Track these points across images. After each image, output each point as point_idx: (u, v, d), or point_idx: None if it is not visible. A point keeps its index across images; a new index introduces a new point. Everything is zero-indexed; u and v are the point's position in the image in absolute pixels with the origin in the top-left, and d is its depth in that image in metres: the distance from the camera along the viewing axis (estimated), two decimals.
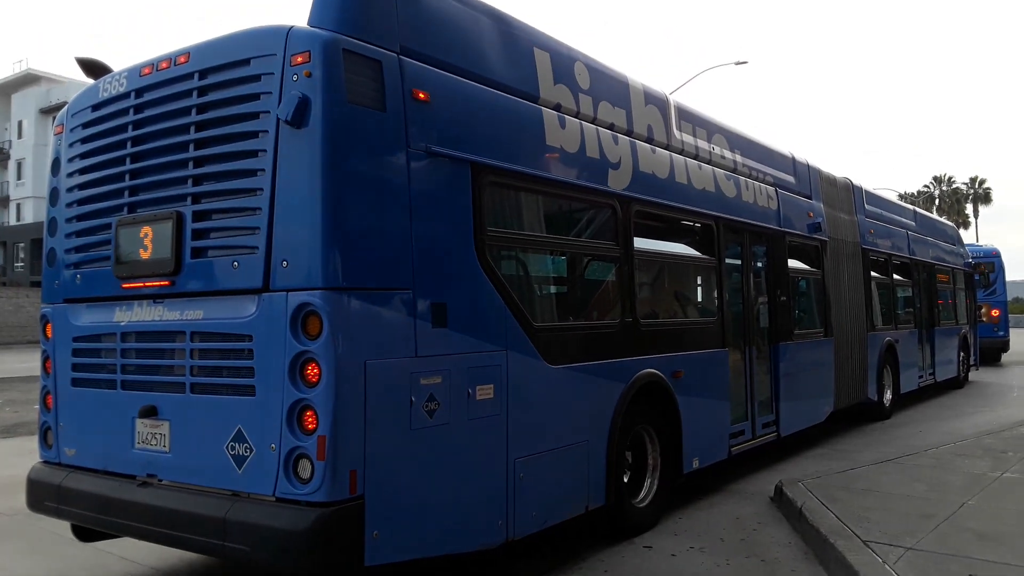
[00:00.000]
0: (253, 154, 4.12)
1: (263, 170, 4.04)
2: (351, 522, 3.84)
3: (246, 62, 4.19)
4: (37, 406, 5.36)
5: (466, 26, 5.03)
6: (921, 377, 14.10)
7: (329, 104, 3.91)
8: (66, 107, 5.30)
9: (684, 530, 6.25)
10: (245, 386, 4.10)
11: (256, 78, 4.13)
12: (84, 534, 5.15)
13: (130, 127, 4.73)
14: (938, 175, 79.90)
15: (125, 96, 4.76)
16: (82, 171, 5.03)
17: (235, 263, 4.15)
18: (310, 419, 3.84)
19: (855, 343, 10.75)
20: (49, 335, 5.20)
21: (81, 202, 5.05)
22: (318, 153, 3.89)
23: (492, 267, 4.81)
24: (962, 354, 16.96)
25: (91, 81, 5.23)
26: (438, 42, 4.71)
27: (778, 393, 8.54)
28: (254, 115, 4.13)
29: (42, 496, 4.97)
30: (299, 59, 3.96)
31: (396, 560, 4.09)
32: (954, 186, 78.60)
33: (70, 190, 5.11)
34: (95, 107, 4.98)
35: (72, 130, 5.13)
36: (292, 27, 4.09)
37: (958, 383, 16.68)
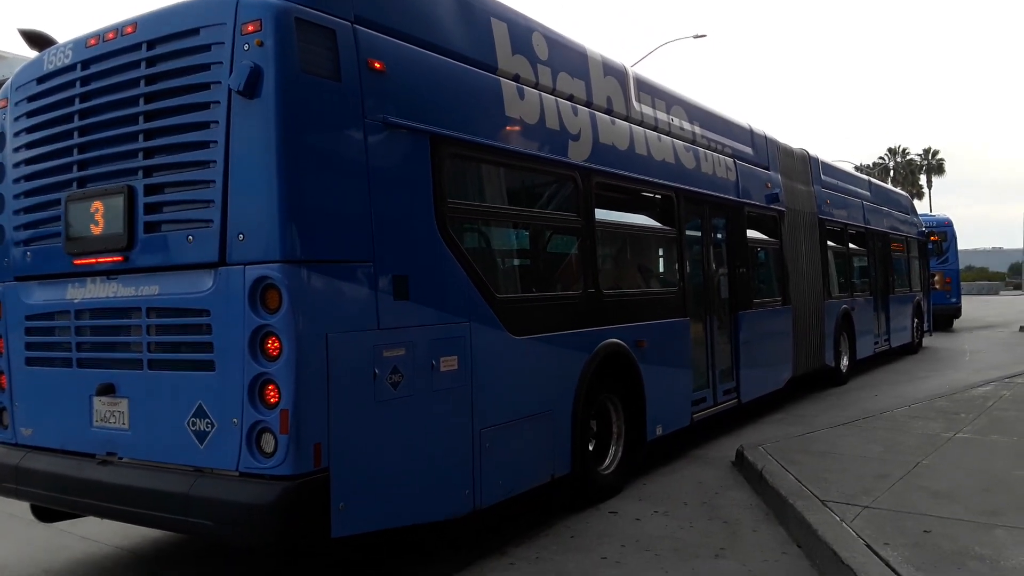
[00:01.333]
0: (205, 126, 4.01)
1: (215, 142, 3.94)
2: (316, 495, 3.82)
3: (195, 31, 4.06)
4: None
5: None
6: (876, 343, 14.47)
7: (282, 74, 3.82)
8: (9, 80, 5.06)
9: (648, 495, 6.35)
10: (204, 361, 4.02)
11: (206, 48, 4.01)
12: (45, 514, 5.10)
13: (77, 100, 4.57)
14: (893, 146, 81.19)
15: (71, 68, 4.60)
16: (28, 145, 4.85)
17: (190, 237, 4.07)
18: (272, 393, 3.80)
19: (812, 311, 10.97)
20: (0, 315, 5.05)
21: (28, 177, 4.87)
22: (272, 124, 3.81)
23: (453, 239, 4.79)
24: (916, 320, 17.38)
25: (35, 54, 5.06)
26: (393, 10, 4.62)
27: (738, 361, 8.70)
28: (205, 86, 4.02)
29: (5, 476, 4.83)
30: (250, 28, 3.85)
31: (362, 531, 4.10)
32: (908, 157, 79.96)
33: (16, 165, 4.92)
34: (39, 80, 4.80)
35: (16, 104, 4.93)
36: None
37: (912, 349, 17.14)
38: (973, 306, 38.20)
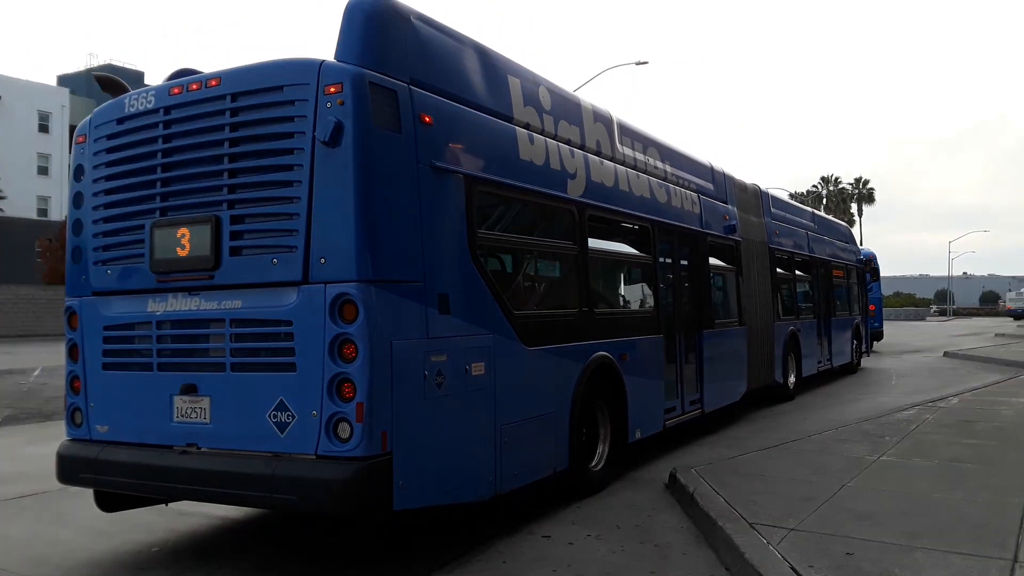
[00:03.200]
0: (289, 168, 4.74)
1: (300, 181, 4.68)
2: (383, 474, 4.56)
3: (279, 88, 4.83)
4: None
5: (457, 58, 5.85)
6: (820, 363, 15.37)
7: (359, 128, 4.62)
8: (87, 120, 5.73)
9: (582, 519, 6.34)
10: (286, 363, 4.75)
11: (290, 103, 4.77)
12: (108, 504, 5.71)
13: (160, 140, 5.24)
14: (826, 175, 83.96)
15: (154, 112, 5.27)
16: (108, 178, 5.50)
17: (274, 260, 4.78)
18: (348, 389, 4.53)
19: (764, 332, 11.98)
20: (75, 326, 5.65)
21: (109, 205, 5.50)
22: (350, 169, 4.58)
23: (481, 263, 5.64)
24: (855, 342, 18.51)
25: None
26: (437, 72, 5.50)
27: (702, 375, 9.59)
28: (288, 134, 4.77)
29: (77, 469, 5.47)
30: (332, 89, 4.64)
31: (416, 506, 4.87)
32: (840, 186, 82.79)
33: (96, 195, 5.56)
34: (120, 120, 5.45)
35: (96, 140, 5.57)
36: (324, 61, 4.76)
37: (852, 368, 18.17)
38: (901, 331, 39.58)
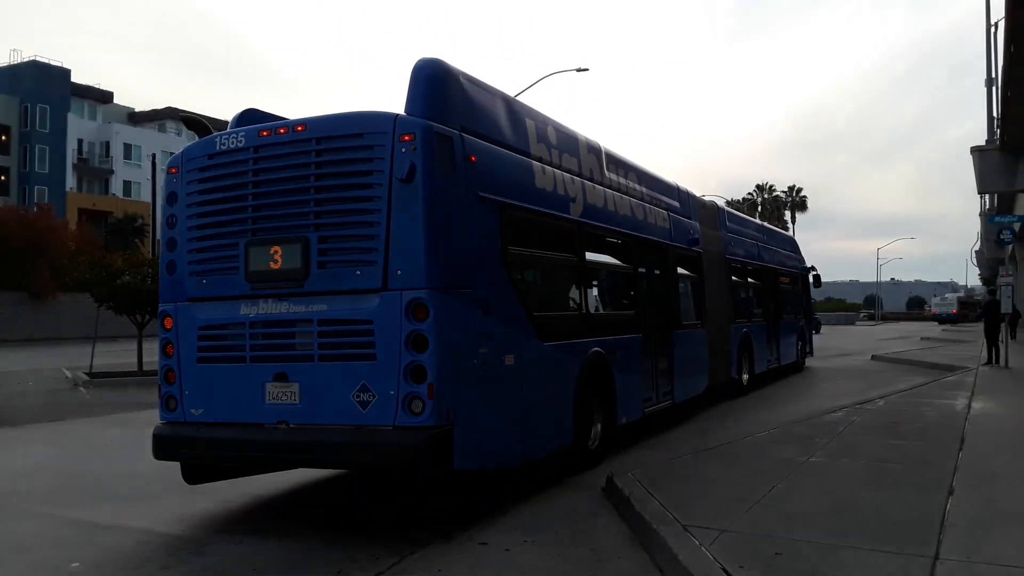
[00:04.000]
0: (370, 198, 5.89)
1: (379, 209, 5.83)
2: (447, 440, 5.76)
3: (359, 135, 6.01)
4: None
5: (490, 107, 7.18)
6: (770, 362, 16.98)
7: (427, 168, 5.82)
8: (179, 154, 6.76)
9: (520, 524, 6.33)
10: (368, 354, 5.87)
11: (370, 147, 5.94)
12: (193, 477, 6.81)
13: (251, 173, 6.33)
14: (761, 183, 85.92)
15: (244, 150, 6.35)
16: (202, 203, 6.55)
17: (358, 272, 5.93)
18: (421, 373, 5.71)
19: (722, 334, 13.51)
20: (169, 327, 6.68)
21: (203, 227, 6.54)
22: (421, 200, 5.78)
23: (511, 273, 6.93)
24: (800, 343, 20.19)
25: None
26: (478, 120, 6.82)
27: (672, 370, 10.83)
28: (368, 172, 5.93)
29: (174, 446, 6.58)
30: (406, 137, 5.82)
31: (469, 468, 6.05)
32: (775, 194, 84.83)
33: (190, 217, 6.58)
34: (211, 156, 6.54)
35: (188, 171, 6.62)
36: (398, 115, 5.98)
37: (798, 367, 19.83)
38: (832, 335, 40.72)
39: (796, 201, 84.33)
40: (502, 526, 6.27)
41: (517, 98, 8.33)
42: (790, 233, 23.60)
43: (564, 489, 7.52)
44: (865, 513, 5.89)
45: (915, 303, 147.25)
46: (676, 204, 12.05)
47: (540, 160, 7.81)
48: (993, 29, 32.39)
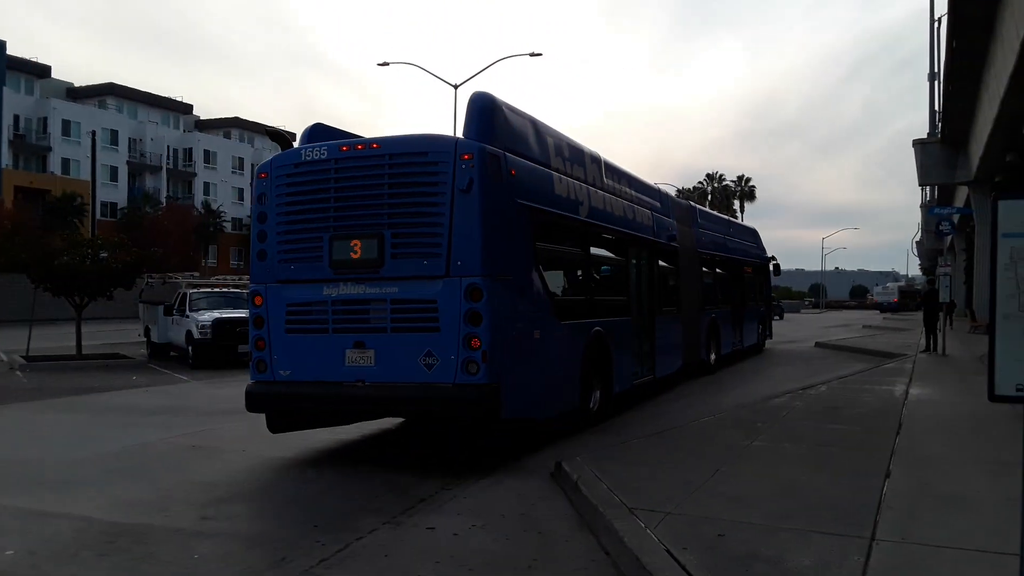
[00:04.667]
0: (435, 204, 7.41)
1: (443, 213, 7.35)
2: (495, 394, 7.31)
3: (425, 154, 7.59)
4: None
5: (523, 128, 8.82)
6: (734, 344, 18.85)
7: (482, 181, 7.36)
8: (268, 161, 8.35)
9: (468, 509, 6.34)
10: (432, 327, 7.38)
11: (435, 163, 7.48)
12: (277, 427, 8.36)
13: (332, 180, 7.85)
14: (711, 172, 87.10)
15: (326, 161, 7.87)
16: (289, 204, 8.03)
17: (425, 262, 7.45)
18: (476, 342, 7.24)
19: (693, 318, 15.20)
20: (259, 303, 8.13)
21: (290, 223, 8.03)
22: (477, 206, 7.34)
23: (538, 265, 8.50)
24: (761, 327, 22.27)
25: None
26: (515, 140, 8.43)
27: (654, 348, 12.46)
28: (433, 183, 7.47)
29: (264, 401, 8.14)
30: (466, 156, 7.37)
31: (509, 417, 7.61)
32: (724, 183, 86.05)
33: (279, 214, 8.06)
34: (296, 164, 8.04)
35: (276, 177, 8.12)
36: (458, 138, 7.66)
37: (758, 349, 21.87)
38: (778, 323, 41.53)
39: (745, 191, 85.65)
40: (450, 511, 6.27)
41: (543, 122, 9.58)
42: (752, 226, 24.94)
43: (513, 474, 7.55)
44: (805, 496, 6.04)
45: (858, 292, 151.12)
46: (657, 204, 13.84)
47: (557, 171, 9.41)
48: (937, 24, 33.31)
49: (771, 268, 24.21)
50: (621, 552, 4.91)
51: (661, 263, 13.40)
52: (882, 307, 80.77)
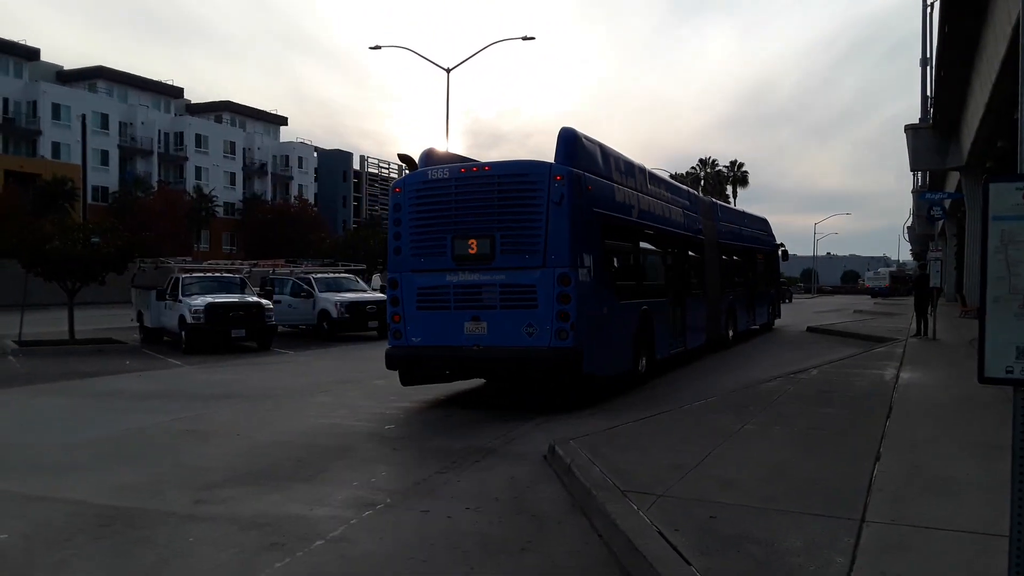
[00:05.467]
0: (534, 213, 9.72)
1: (540, 220, 9.67)
2: (579, 355, 9.59)
3: (527, 175, 9.92)
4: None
5: (595, 152, 11.15)
6: (748, 323, 21.78)
7: (570, 195, 9.64)
8: (402, 179, 11.06)
9: (462, 492, 6.37)
10: (532, 304, 9.73)
11: (533, 182, 9.80)
12: (408, 381, 10.95)
13: (453, 194, 10.26)
14: (704, 158, 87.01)
15: (447, 180, 10.32)
16: (419, 212, 10.52)
17: (527, 256, 9.77)
18: (565, 316, 9.55)
19: (716, 300, 18.02)
20: (395, 287, 10.64)
21: (420, 226, 10.51)
22: (567, 215, 9.62)
23: (606, 258, 10.85)
24: (771, 308, 25.33)
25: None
26: (590, 162, 10.71)
27: (685, 325, 15.16)
28: (533, 197, 9.80)
29: (401, 361, 10.65)
30: (558, 178, 9.68)
31: (590, 372, 9.89)
32: (717, 168, 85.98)
33: (411, 220, 10.55)
34: (424, 183, 10.48)
35: (407, 192, 10.61)
36: (552, 164, 9.87)
37: (769, 327, 24.91)
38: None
39: (738, 176, 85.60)
40: (444, 495, 6.30)
41: (597, 139, 11.61)
42: (763, 216, 26.87)
43: (503, 458, 7.59)
44: (796, 479, 6.09)
45: (850, 277, 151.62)
46: (687, 203, 16.56)
47: (616, 183, 11.86)
48: (929, 9, 33.21)
49: (780, 254, 26.57)
50: (614, 534, 4.95)
51: (690, 253, 16.20)
52: (873, 292, 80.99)
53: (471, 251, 10.11)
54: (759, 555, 4.43)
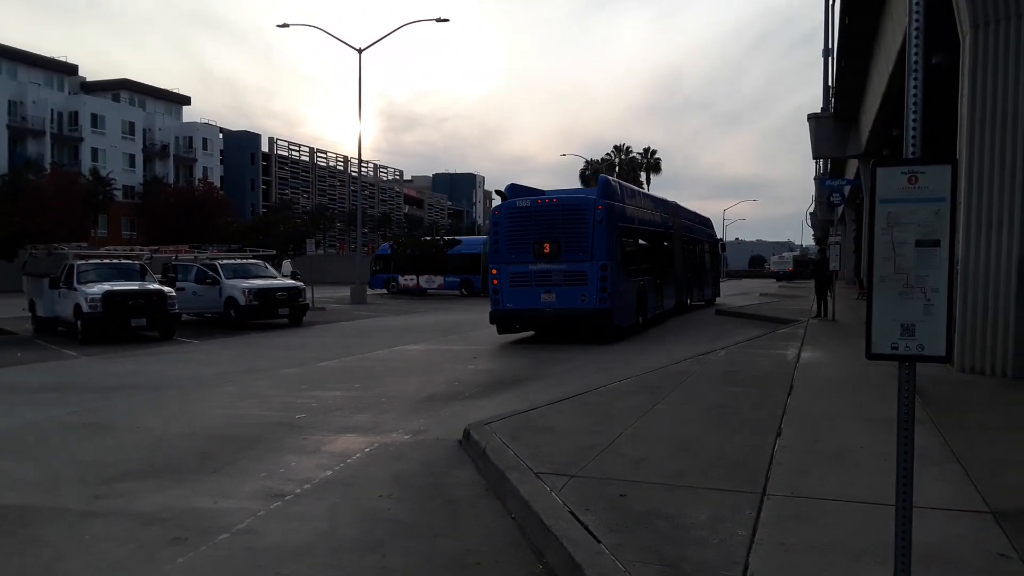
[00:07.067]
0: (584, 228, 16.90)
1: (588, 233, 16.85)
2: (612, 313, 16.95)
3: (580, 205, 17.37)
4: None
5: (620, 188, 19.37)
6: (699, 296, 29.59)
7: (606, 218, 16.96)
8: (501, 205, 18.18)
9: (374, 478, 6.31)
10: (583, 282, 16.94)
11: (584, 209, 17.14)
12: (503, 330, 18.18)
13: (532, 216, 17.36)
14: (619, 144, 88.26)
15: (529, 207, 17.56)
16: (511, 228, 17.59)
17: (579, 253, 16.91)
18: (604, 290, 16.72)
19: (680, 279, 25.17)
20: (495, 273, 17.71)
21: (512, 235, 17.55)
22: (604, 230, 16.86)
23: (623, 253, 17.93)
24: (714, 287, 33.14)
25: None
26: (618, 195, 18.65)
27: (663, 295, 22.03)
28: (582, 218, 17.03)
29: (501, 318, 17.86)
30: (599, 207, 16.99)
31: (618, 324, 17.29)
32: (631, 155, 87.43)
33: (506, 232, 17.62)
34: (515, 208, 17.68)
35: (504, 214, 17.77)
36: (596, 198, 17.29)
37: (711, 302, 31.54)
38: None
39: (651, 163, 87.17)
40: (357, 483, 6.22)
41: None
42: (706, 215, 34.61)
43: (418, 444, 7.54)
44: (703, 455, 6.27)
45: (756, 262, 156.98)
46: (663, 207, 24.15)
47: (627, 204, 19.07)
48: (832, 2, 34.50)
49: (720, 246, 35.46)
50: (527, 515, 4.98)
51: (664, 243, 23.15)
52: (778, 276, 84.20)
53: (545, 251, 16.99)
54: (666, 530, 4.54)
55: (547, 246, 16.84)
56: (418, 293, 42.80)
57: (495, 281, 17.40)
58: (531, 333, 18.79)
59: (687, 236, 26.56)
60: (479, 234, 77.26)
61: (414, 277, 43.05)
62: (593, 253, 16.50)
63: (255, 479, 6.37)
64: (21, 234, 20.18)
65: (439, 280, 42.33)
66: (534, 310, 17.08)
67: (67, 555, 4.76)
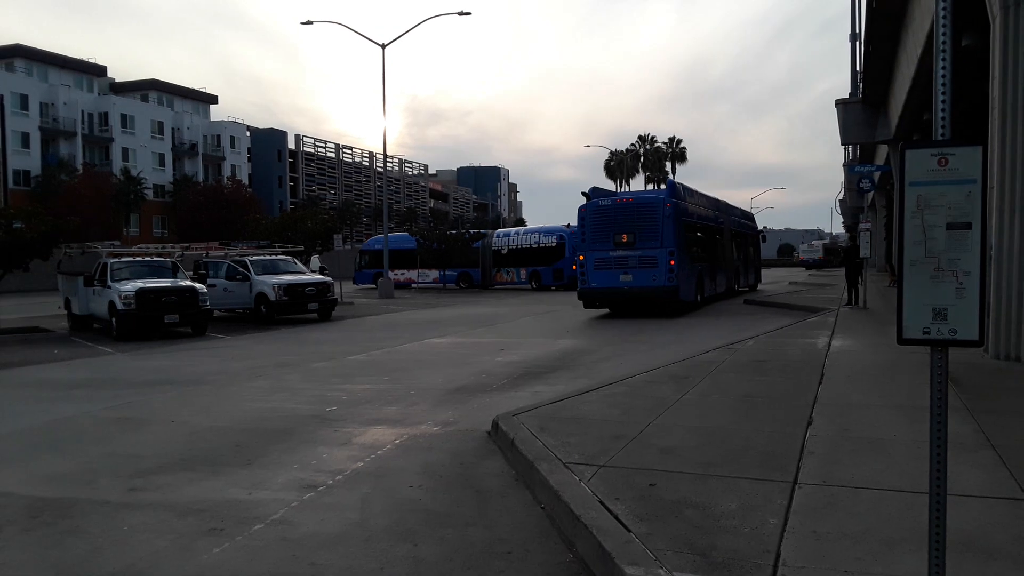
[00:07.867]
0: (655, 222, 21.63)
1: (658, 226, 21.61)
2: (678, 290, 21.32)
3: (652, 203, 22.14)
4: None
5: (684, 190, 24.54)
6: (745, 281, 33.53)
7: (673, 214, 21.64)
8: (587, 204, 22.56)
9: (404, 469, 6.37)
10: (654, 264, 21.27)
11: (655, 207, 21.80)
12: (588, 306, 22.77)
13: (612, 212, 22.08)
14: (643, 135, 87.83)
15: (610, 206, 22.35)
16: (596, 223, 22.11)
17: (651, 242, 21.37)
18: (671, 271, 21.15)
19: (730, 266, 29.85)
20: (582, 259, 22.34)
21: (596, 228, 22.11)
22: (672, 224, 21.44)
23: (687, 243, 22.76)
24: (756, 274, 36.51)
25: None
26: (681, 194, 23.74)
27: (716, 280, 26.81)
28: (654, 214, 21.59)
29: (587, 295, 22.28)
30: (668, 205, 21.58)
31: (682, 299, 21.86)
32: (656, 145, 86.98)
33: (592, 226, 22.12)
34: (598, 207, 22.30)
35: (589, 211, 22.32)
36: (665, 197, 22.24)
37: (754, 287, 35.12)
38: None
39: (676, 152, 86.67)
40: (388, 474, 6.28)
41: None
42: (748, 209, 41.11)
43: (447, 435, 7.59)
44: (732, 445, 6.24)
45: (785, 250, 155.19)
46: (715, 206, 28.52)
47: (689, 202, 24.00)
48: None
49: (761, 238, 39.23)
50: (556, 505, 5.00)
51: (717, 236, 27.54)
52: (808, 264, 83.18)
53: (623, 240, 21.23)
54: (696, 519, 4.54)
55: (625, 236, 21.24)
56: (407, 287, 42.67)
57: (582, 266, 22.05)
58: (565, 324, 20.16)
59: (735, 230, 31.49)
60: (503, 227, 77.15)
61: (404, 271, 43.03)
62: (663, 241, 20.87)
63: (288, 470, 6.46)
64: (55, 233, 20.55)
65: (433, 274, 42.29)
66: (614, 288, 21.39)
67: (106, 546, 4.87)
